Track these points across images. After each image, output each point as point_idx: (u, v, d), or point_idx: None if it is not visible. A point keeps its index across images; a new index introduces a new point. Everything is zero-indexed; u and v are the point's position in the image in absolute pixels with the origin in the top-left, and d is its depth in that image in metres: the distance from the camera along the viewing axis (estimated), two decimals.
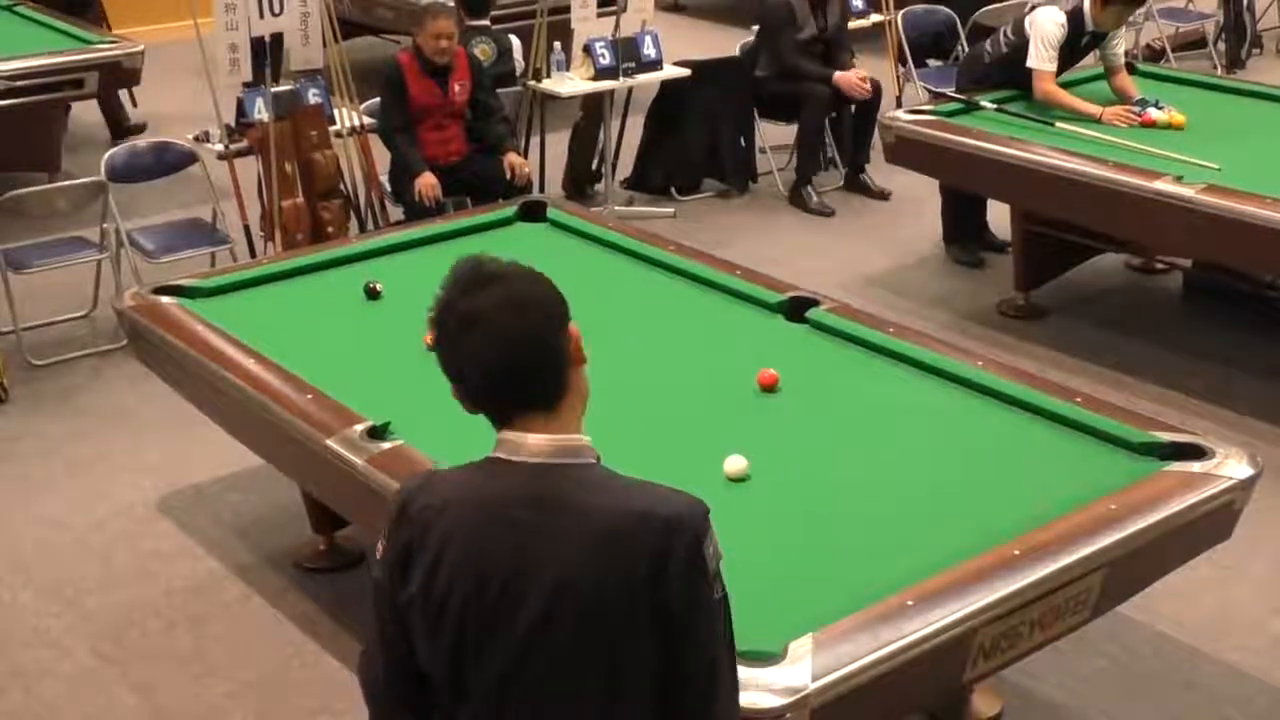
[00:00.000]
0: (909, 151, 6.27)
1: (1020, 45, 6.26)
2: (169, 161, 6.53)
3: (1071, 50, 6.25)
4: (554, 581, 2.08)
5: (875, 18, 8.56)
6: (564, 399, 2.19)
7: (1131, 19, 6.81)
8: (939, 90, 6.90)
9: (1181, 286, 6.59)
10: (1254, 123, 6.33)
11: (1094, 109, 6.12)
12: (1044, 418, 3.76)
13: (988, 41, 6.62)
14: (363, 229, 6.67)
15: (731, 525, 3.35)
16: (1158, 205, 5.37)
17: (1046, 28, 6.14)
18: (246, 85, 6.46)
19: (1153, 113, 6.08)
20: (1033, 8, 6.35)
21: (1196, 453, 3.51)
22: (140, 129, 8.26)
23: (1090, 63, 6.56)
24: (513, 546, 2.12)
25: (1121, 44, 6.43)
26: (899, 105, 7.82)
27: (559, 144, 7.72)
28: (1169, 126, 6.05)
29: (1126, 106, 6.16)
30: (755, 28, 7.85)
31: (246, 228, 6.53)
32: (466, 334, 2.12)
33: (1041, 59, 6.15)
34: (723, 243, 6.76)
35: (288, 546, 4.68)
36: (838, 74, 7.56)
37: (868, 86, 7.58)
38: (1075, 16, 6.13)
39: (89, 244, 6.29)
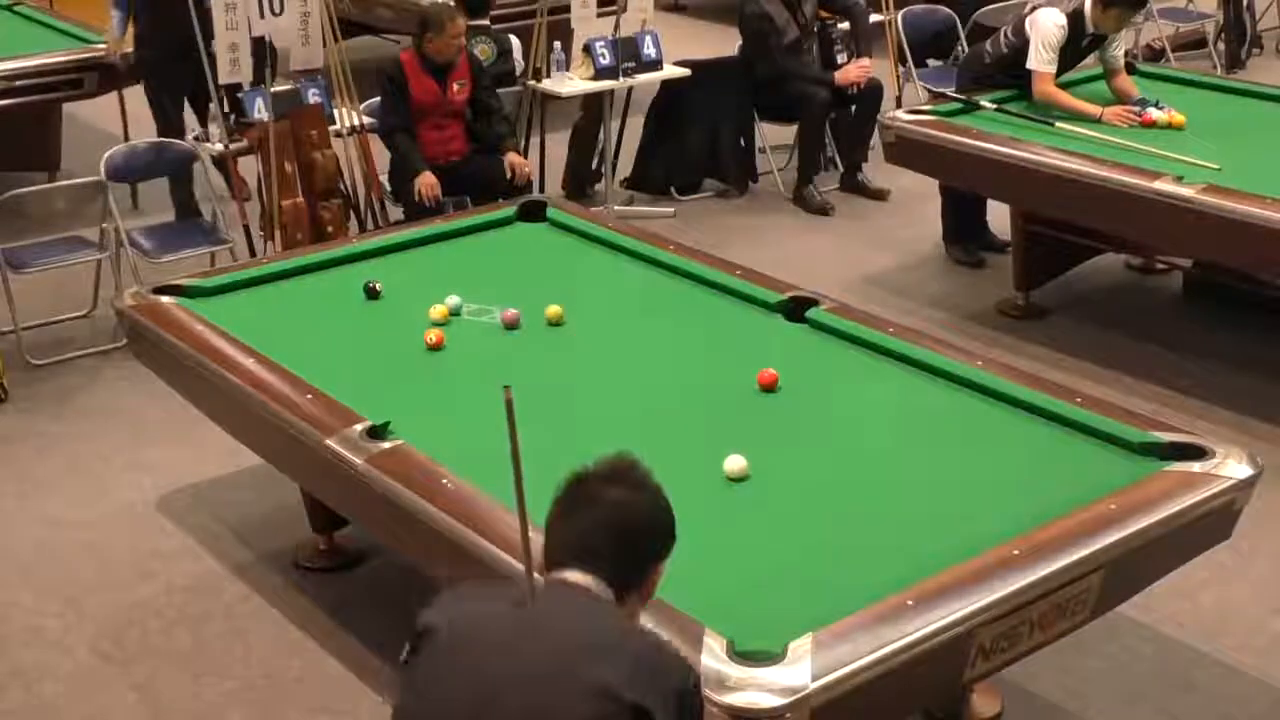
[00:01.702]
0: (909, 151, 6.26)
1: (1020, 46, 6.26)
2: (169, 161, 6.53)
3: (1072, 52, 6.25)
4: (529, 706, 2.16)
5: (875, 18, 8.55)
6: (613, 587, 2.30)
7: (1132, 20, 6.79)
8: (939, 90, 6.90)
9: (1181, 286, 6.59)
10: (1254, 123, 6.33)
11: (1094, 109, 6.11)
12: (1044, 418, 3.76)
13: (988, 42, 6.61)
14: (363, 229, 6.66)
15: (732, 525, 3.37)
16: (1158, 205, 5.37)
17: (1047, 29, 6.13)
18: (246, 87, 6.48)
19: (1153, 113, 6.08)
20: (1033, 9, 6.34)
21: (1196, 453, 3.51)
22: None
23: (1090, 63, 6.56)
24: (510, 654, 2.21)
25: (1121, 46, 6.42)
26: (899, 105, 7.82)
27: (559, 144, 7.72)
28: (1169, 126, 6.05)
29: (1126, 107, 6.16)
30: (739, 43, 7.85)
31: (246, 228, 6.53)
32: (587, 506, 2.32)
33: (1041, 60, 6.15)
34: (723, 243, 6.76)
35: (288, 546, 4.68)
36: (836, 74, 7.57)
37: (868, 69, 7.57)
38: (1076, 18, 6.12)
39: (89, 244, 6.29)
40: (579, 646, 2.19)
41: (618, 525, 2.27)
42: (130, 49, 7.19)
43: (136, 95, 7.90)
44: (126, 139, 7.54)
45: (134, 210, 7.23)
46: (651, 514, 2.31)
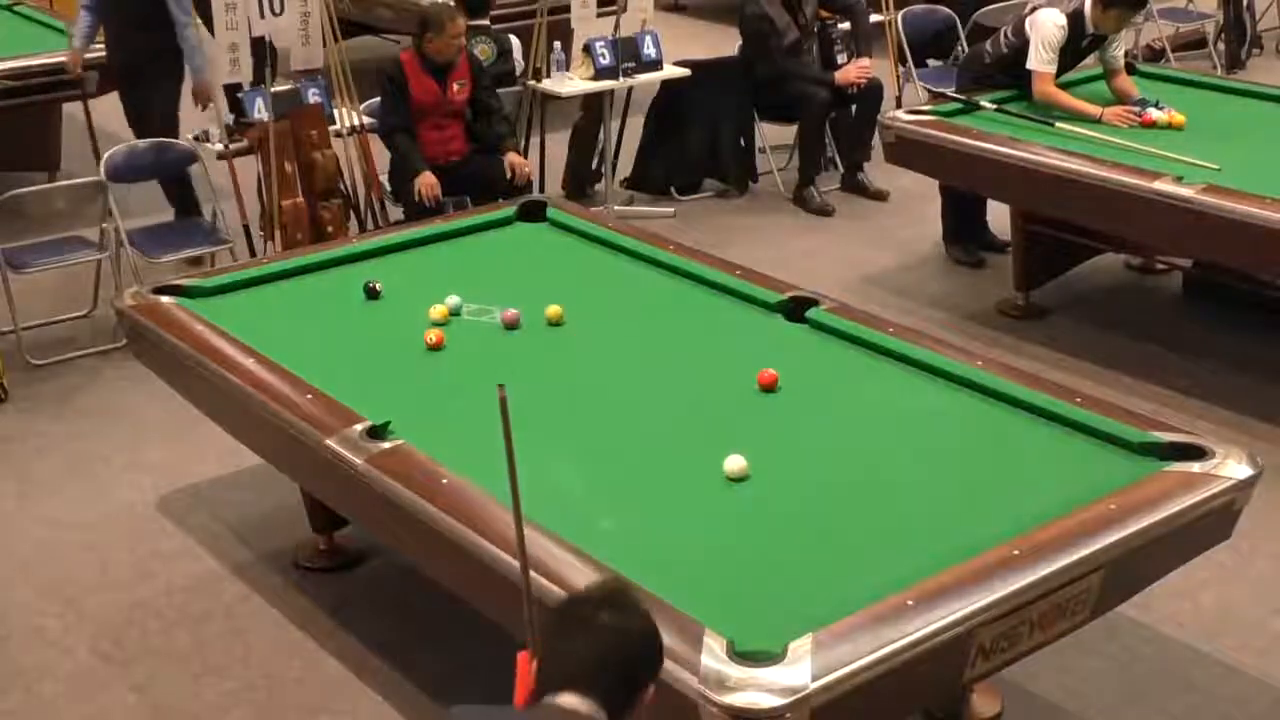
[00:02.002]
0: (909, 151, 6.26)
1: (1020, 46, 6.25)
2: (169, 161, 6.53)
3: (1072, 52, 6.25)
4: None
5: (875, 18, 8.55)
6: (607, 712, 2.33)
7: (1132, 20, 6.78)
8: (939, 90, 6.90)
9: (1181, 286, 6.59)
10: (1254, 123, 6.33)
11: (1094, 109, 6.11)
12: (1044, 418, 3.76)
13: (988, 42, 6.61)
14: (363, 229, 6.67)
15: (732, 525, 3.37)
16: (1158, 205, 5.37)
17: (1047, 29, 6.13)
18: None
19: (1153, 113, 6.08)
20: (1033, 9, 6.34)
21: (1196, 453, 3.51)
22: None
23: (1089, 63, 6.56)
24: None
25: (1121, 46, 6.42)
26: (899, 105, 7.82)
27: (559, 144, 7.72)
28: (1169, 126, 6.05)
29: (1126, 107, 6.15)
30: (739, 44, 7.85)
31: (246, 228, 6.53)
32: (583, 632, 2.34)
33: (1041, 60, 6.15)
34: (723, 243, 6.76)
35: (288, 546, 4.68)
36: (836, 74, 7.57)
37: (868, 69, 7.58)
38: (1076, 18, 6.12)
39: (89, 244, 6.30)
40: None
41: (613, 653, 2.31)
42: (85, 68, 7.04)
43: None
44: (92, 137, 7.57)
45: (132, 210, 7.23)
46: (644, 641, 2.36)
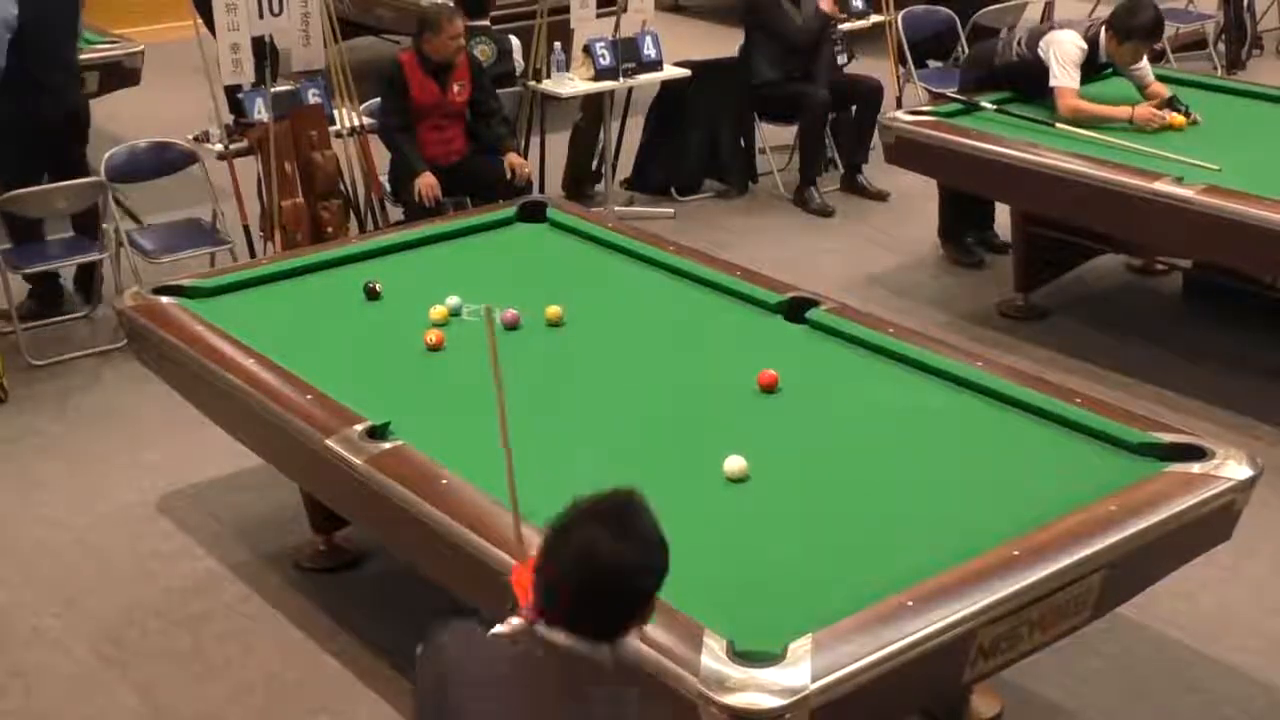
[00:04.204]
0: (909, 152, 6.26)
1: (1032, 60, 6.20)
2: (169, 161, 6.53)
3: (1088, 74, 6.20)
4: None
5: (875, 18, 8.56)
6: (609, 640, 2.28)
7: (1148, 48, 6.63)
8: (939, 91, 6.90)
9: (1181, 286, 6.59)
10: (1254, 123, 6.34)
11: (1124, 111, 6.08)
12: (1044, 418, 3.76)
13: (998, 43, 6.56)
14: (363, 229, 6.67)
15: (731, 525, 3.37)
16: (1158, 205, 5.37)
17: (1066, 48, 6.09)
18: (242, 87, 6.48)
19: (1170, 114, 6.07)
20: (1051, 28, 6.32)
21: (1196, 453, 3.51)
22: None
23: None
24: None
25: (1147, 67, 6.33)
26: (899, 106, 7.82)
27: (559, 144, 7.72)
28: (1168, 127, 6.05)
29: (1149, 107, 6.10)
30: (739, 43, 7.84)
31: (246, 228, 6.53)
32: (583, 559, 2.24)
33: (1065, 76, 6.07)
34: (723, 243, 6.77)
35: (288, 546, 4.68)
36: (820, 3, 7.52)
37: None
38: (1092, 45, 6.11)
39: (89, 244, 6.29)
40: None
41: (615, 585, 2.24)
42: None
43: (138, 95, 7.93)
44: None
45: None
46: (649, 564, 2.28)
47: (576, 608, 2.24)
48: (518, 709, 2.25)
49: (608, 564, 2.22)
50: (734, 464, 3.50)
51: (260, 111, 6.33)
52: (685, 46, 8.54)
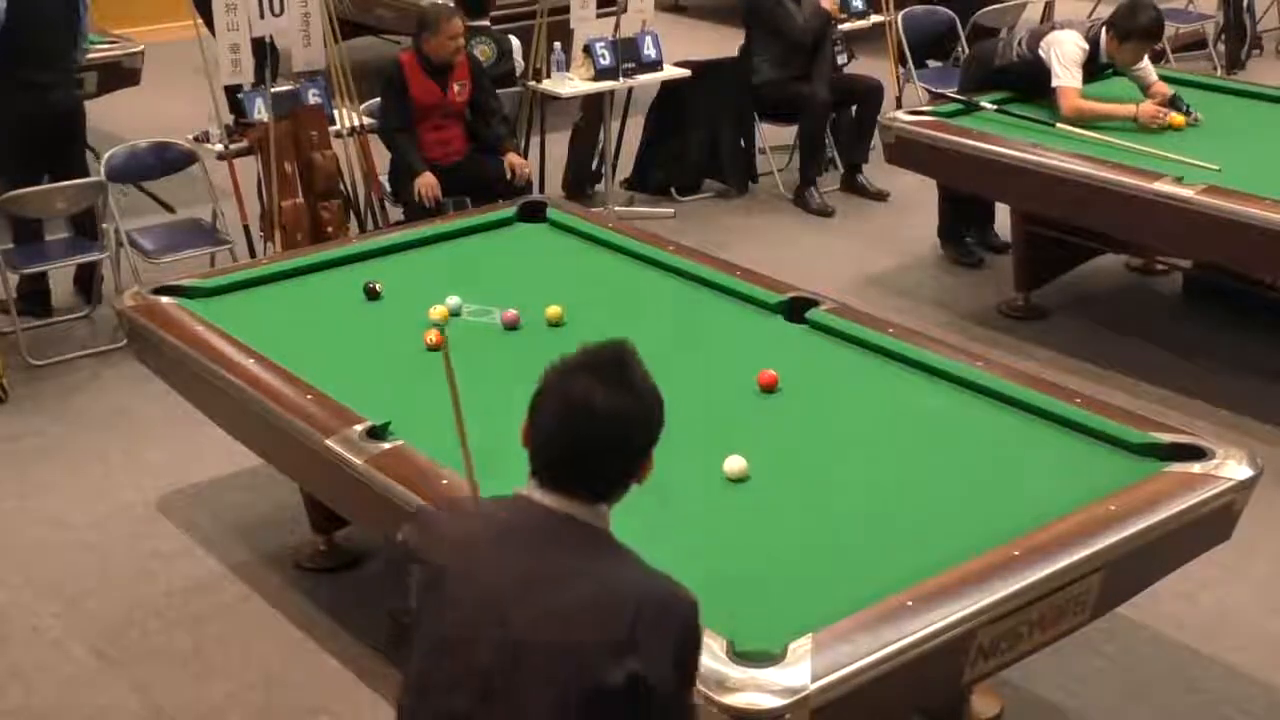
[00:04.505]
0: (909, 152, 6.26)
1: (1034, 61, 6.20)
2: (169, 161, 6.53)
3: (1089, 74, 6.20)
4: (537, 625, 2.13)
5: (875, 18, 8.56)
6: (606, 501, 2.24)
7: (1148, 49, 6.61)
8: (939, 91, 6.90)
9: (1181, 286, 6.59)
10: (1254, 123, 6.34)
11: (1128, 108, 6.08)
12: (1044, 418, 3.76)
13: (998, 44, 6.56)
14: (363, 229, 6.67)
15: (731, 525, 3.37)
16: (1158, 206, 5.37)
17: (1068, 47, 6.08)
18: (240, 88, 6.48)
19: (1172, 114, 6.07)
20: (1052, 28, 6.32)
21: (1196, 453, 3.51)
22: None
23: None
24: (514, 579, 2.16)
25: (1149, 66, 6.34)
26: (899, 106, 7.82)
27: (559, 144, 7.72)
28: (1168, 127, 6.05)
29: (1156, 105, 6.09)
30: (739, 43, 7.84)
31: (246, 228, 6.53)
32: (571, 410, 2.19)
33: (1068, 77, 6.06)
34: (723, 243, 6.77)
35: (288, 546, 4.68)
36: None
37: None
38: (1093, 45, 6.11)
39: (89, 244, 6.29)
40: (582, 605, 2.13)
41: (607, 444, 2.17)
42: None
43: (138, 95, 7.94)
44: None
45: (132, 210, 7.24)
46: (646, 415, 2.21)
47: (572, 465, 2.17)
48: (500, 569, 2.16)
49: (604, 415, 2.15)
50: (734, 464, 3.50)
51: (260, 111, 6.33)
52: (685, 46, 8.55)
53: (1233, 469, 3.45)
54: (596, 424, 2.17)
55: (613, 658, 2.10)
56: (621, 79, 7.35)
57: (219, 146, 6.48)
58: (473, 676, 2.17)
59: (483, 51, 7.15)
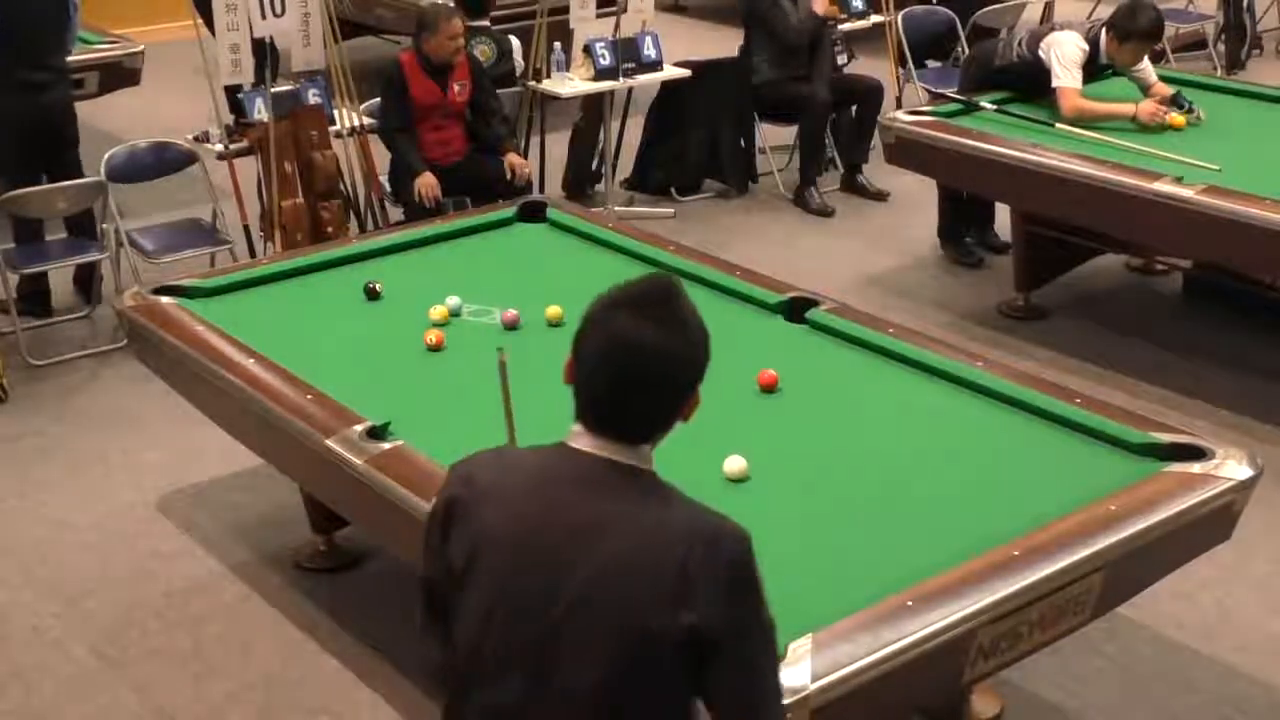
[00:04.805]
0: (909, 152, 6.26)
1: (1033, 61, 6.19)
2: (169, 161, 6.53)
3: (1088, 75, 6.20)
4: (587, 577, 2.09)
5: (875, 18, 8.56)
6: (650, 441, 2.20)
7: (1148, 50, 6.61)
8: (939, 91, 6.90)
9: (1181, 286, 6.59)
10: (1254, 123, 6.34)
11: (1128, 108, 6.08)
12: (1044, 418, 3.76)
13: (998, 44, 6.55)
14: (363, 229, 6.67)
15: None
16: (1158, 206, 5.37)
17: (1068, 49, 6.08)
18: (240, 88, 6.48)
19: (1173, 114, 6.07)
20: (1051, 29, 6.32)
21: (1196, 453, 3.51)
22: None
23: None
24: (559, 530, 2.12)
25: (1149, 67, 6.34)
26: (899, 106, 7.82)
27: (559, 144, 7.72)
28: (1168, 126, 6.05)
29: (1156, 103, 6.09)
30: (739, 43, 7.84)
31: (246, 228, 6.53)
32: (614, 347, 2.13)
33: (1068, 77, 6.05)
34: (723, 243, 6.77)
35: (288, 546, 4.68)
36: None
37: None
38: (1093, 46, 6.11)
39: (89, 244, 6.29)
40: (630, 555, 2.08)
41: (653, 381, 2.11)
42: None
43: (138, 95, 7.93)
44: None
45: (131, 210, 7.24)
46: (693, 353, 2.13)
47: (616, 403, 2.12)
48: (544, 526, 2.11)
49: (649, 352, 2.09)
50: (734, 464, 3.50)
51: (260, 111, 6.33)
52: (685, 46, 8.55)
53: (1232, 469, 3.45)
54: (641, 361, 2.10)
55: (668, 608, 2.05)
56: (621, 79, 7.35)
57: (219, 146, 6.48)
58: (523, 644, 2.13)
59: (483, 51, 7.16)
